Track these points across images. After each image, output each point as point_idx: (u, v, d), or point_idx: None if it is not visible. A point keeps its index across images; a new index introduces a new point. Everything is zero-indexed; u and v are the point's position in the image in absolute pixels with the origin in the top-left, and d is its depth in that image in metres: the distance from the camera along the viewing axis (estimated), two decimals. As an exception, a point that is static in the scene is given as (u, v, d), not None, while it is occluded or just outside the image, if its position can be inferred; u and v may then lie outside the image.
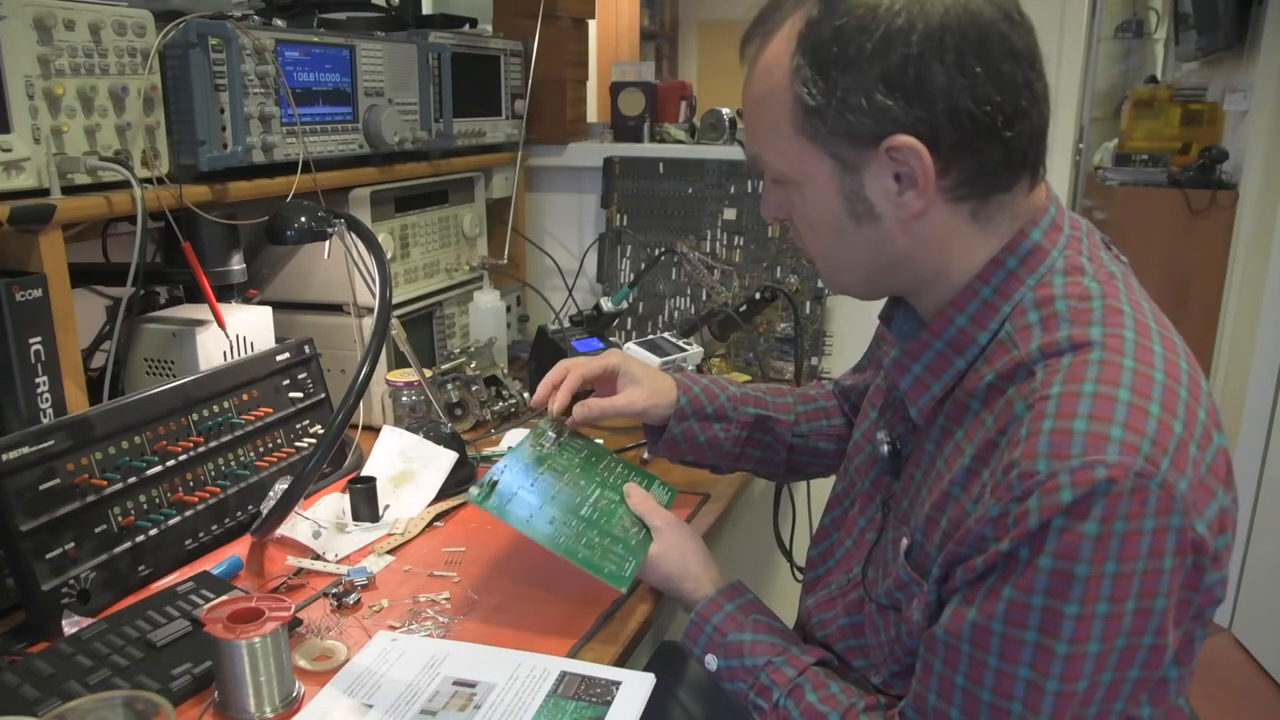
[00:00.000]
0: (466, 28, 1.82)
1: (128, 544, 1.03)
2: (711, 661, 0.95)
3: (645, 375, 1.18)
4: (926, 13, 0.73)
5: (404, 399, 1.45)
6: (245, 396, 1.22)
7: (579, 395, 1.18)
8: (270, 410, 1.25)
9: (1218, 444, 0.75)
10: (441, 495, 1.28)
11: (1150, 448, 0.69)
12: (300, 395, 1.31)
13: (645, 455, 1.41)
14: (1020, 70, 0.75)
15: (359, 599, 1.03)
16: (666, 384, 1.19)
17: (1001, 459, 0.74)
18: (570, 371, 1.16)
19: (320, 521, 1.17)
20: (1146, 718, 0.79)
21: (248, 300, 1.41)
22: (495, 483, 1.04)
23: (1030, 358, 0.75)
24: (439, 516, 1.24)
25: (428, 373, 1.48)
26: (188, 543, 1.11)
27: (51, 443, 0.97)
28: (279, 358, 1.29)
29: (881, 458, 0.93)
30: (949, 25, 0.73)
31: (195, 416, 1.15)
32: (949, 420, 0.82)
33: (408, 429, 1.35)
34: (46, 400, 1.06)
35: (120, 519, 1.03)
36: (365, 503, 1.20)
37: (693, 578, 1.02)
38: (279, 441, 1.26)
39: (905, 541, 0.86)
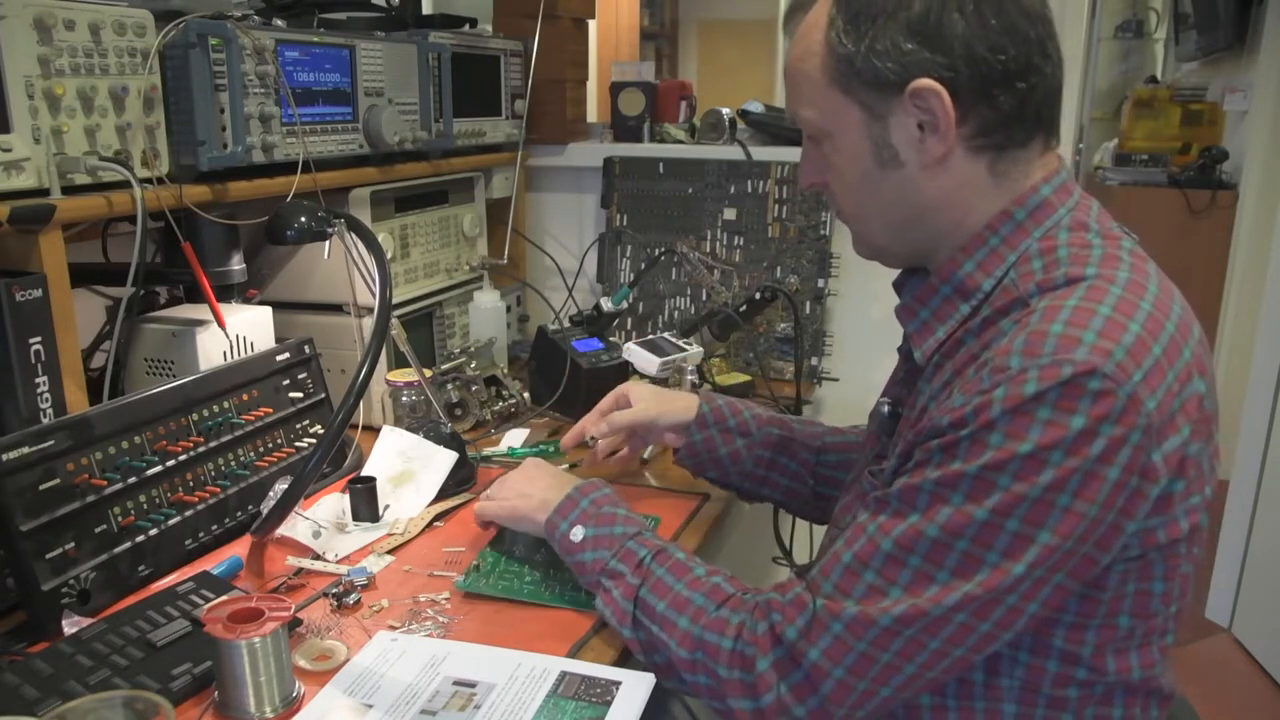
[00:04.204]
0: (466, 28, 1.82)
1: (128, 544, 1.03)
2: (578, 533, 0.99)
3: (653, 390, 1.27)
4: None
5: (404, 399, 1.45)
6: (245, 396, 1.22)
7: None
8: (270, 410, 1.25)
9: (1197, 388, 0.76)
10: (441, 495, 1.27)
11: (1124, 356, 0.71)
12: (300, 395, 1.31)
13: (645, 455, 1.41)
14: (1034, 28, 0.79)
15: (359, 599, 1.03)
16: (683, 398, 1.26)
17: (975, 365, 0.76)
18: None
19: (320, 521, 1.17)
20: (1088, 656, 0.78)
21: (248, 300, 1.41)
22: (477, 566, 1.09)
23: (1027, 293, 0.79)
24: (439, 516, 1.24)
25: (428, 373, 1.48)
26: (188, 543, 1.11)
27: (51, 443, 0.97)
28: (279, 358, 1.29)
29: (881, 418, 0.96)
30: None
31: (195, 416, 1.15)
32: (944, 358, 0.85)
33: (408, 429, 1.35)
34: (46, 400, 1.06)
35: (120, 519, 1.03)
36: (365, 503, 1.20)
37: (539, 492, 1.07)
38: (279, 441, 1.26)
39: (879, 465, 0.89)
